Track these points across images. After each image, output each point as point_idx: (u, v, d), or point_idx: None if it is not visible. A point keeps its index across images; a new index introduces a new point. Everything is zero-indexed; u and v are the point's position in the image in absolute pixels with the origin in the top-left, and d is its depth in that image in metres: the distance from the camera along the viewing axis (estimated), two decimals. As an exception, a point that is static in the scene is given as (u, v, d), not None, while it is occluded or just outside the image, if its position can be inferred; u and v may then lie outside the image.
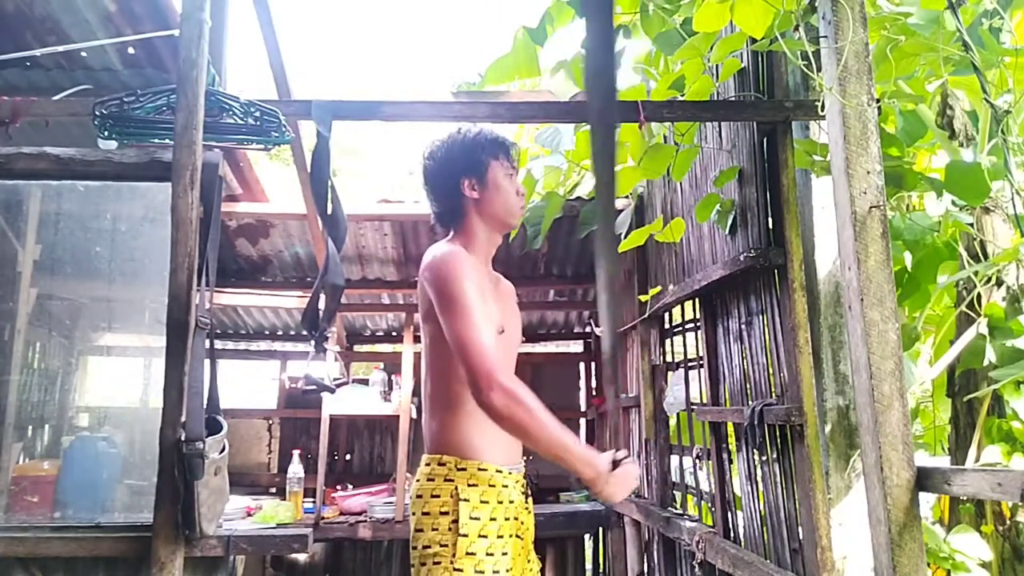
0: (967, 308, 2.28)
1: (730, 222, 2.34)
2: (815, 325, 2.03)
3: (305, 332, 2.07)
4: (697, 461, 2.86)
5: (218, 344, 3.77)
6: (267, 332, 5.35)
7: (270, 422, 5.04)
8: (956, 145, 2.12)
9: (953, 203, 2.13)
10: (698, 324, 2.79)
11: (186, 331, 1.86)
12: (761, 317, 2.20)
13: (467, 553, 1.55)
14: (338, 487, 4.38)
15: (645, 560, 3.43)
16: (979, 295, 2.21)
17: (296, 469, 3.97)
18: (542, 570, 1.83)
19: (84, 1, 2.70)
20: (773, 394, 2.13)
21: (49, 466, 2.68)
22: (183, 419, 1.81)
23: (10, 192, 2.70)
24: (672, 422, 3.25)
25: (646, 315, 3.26)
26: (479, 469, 1.63)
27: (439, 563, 1.56)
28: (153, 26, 2.72)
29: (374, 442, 5.04)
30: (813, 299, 2.04)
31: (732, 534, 2.42)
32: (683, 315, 3.08)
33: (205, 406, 1.88)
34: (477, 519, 1.58)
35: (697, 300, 2.76)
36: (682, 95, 2.21)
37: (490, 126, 1.92)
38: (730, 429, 2.52)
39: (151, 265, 2.43)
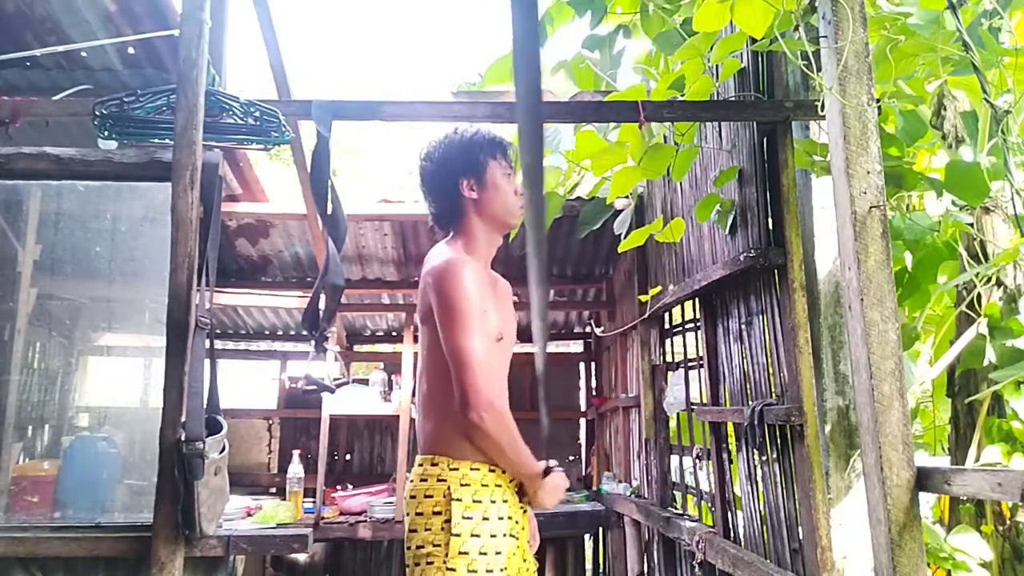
0: (967, 308, 2.28)
1: (730, 222, 2.34)
2: (815, 325, 2.03)
3: (305, 332, 2.07)
4: (697, 461, 2.86)
5: (218, 344, 3.76)
6: (267, 332, 5.35)
7: (270, 422, 5.04)
8: (946, 146, 2.12)
9: (953, 203, 2.13)
10: (698, 324, 2.79)
11: (186, 331, 1.85)
12: (761, 317, 2.20)
13: (460, 553, 1.56)
14: (338, 487, 4.38)
15: (645, 560, 3.42)
16: (979, 295, 2.21)
17: (296, 469, 3.97)
18: (541, 571, 1.83)
19: (84, 1, 2.70)
20: (773, 394, 2.12)
21: (49, 466, 2.67)
22: (183, 419, 1.80)
23: (10, 192, 2.70)
24: (672, 422, 3.25)
25: (646, 315, 3.26)
26: (472, 469, 1.63)
27: (432, 563, 1.57)
28: (153, 26, 2.72)
29: (374, 442, 5.04)
30: (813, 299, 2.04)
31: (732, 534, 2.42)
32: (683, 315, 3.08)
33: (205, 406, 1.88)
34: (470, 519, 1.59)
35: (697, 300, 2.76)
36: (682, 95, 2.21)
37: (489, 126, 1.92)
38: (730, 429, 2.52)
39: (151, 265, 2.43)
